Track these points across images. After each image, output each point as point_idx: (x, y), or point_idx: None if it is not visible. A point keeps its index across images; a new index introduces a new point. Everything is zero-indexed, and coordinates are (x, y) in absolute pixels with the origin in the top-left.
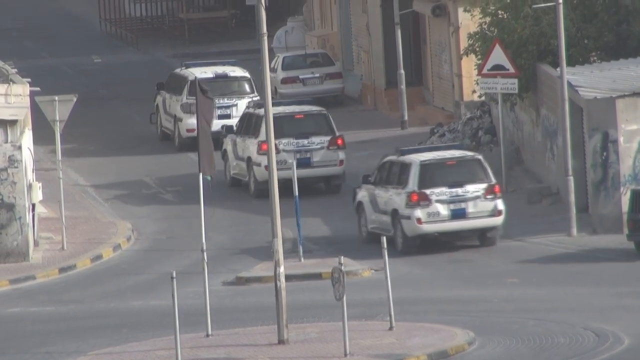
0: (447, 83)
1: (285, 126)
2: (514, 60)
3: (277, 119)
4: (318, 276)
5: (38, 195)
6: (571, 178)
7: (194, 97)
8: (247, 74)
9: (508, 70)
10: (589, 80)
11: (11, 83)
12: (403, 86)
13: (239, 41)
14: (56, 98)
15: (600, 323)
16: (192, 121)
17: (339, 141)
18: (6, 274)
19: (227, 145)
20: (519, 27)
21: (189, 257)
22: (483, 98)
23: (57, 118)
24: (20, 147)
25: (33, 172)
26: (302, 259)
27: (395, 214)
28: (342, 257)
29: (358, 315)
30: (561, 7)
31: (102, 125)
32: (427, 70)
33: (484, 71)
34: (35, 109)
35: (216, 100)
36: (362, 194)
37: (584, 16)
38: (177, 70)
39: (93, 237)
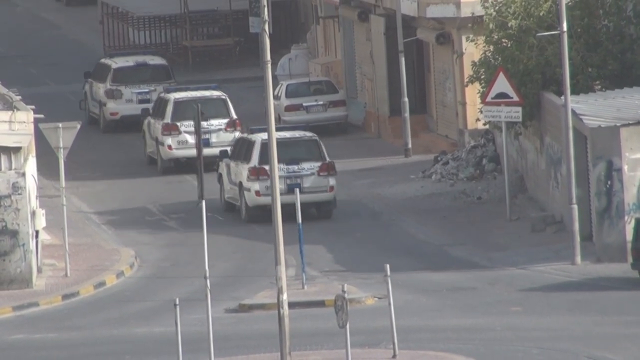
0: (451, 111)
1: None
2: (519, 88)
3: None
4: (321, 304)
5: (41, 222)
6: (575, 206)
7: (117, 84)
8: (165, 62)
9: (512, 98)
10: (593, 108)
11: (15, 110)
12: (407, 114)
13: (243, 68)
14: (60, 125)
15: (604, 352)
16: (114, 105)
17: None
18: (9, 301)
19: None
20: (525, 57)
21: (192, 284)
22: (487, 126)
23: (61, 145)
24: (24, 174)
25: (37, 199)
26: (305, 287)
27: (240, 186)
28: (346, 284)
29: (361, 343)
30: (565, 35)
31: (105, 152)
32: (430, 98)
33: (488, 99)
34: (39, 135)
35: (137, 86)
36: (222, 167)
37: (588, 45)
38: (103, 60)
39: (96, 264)
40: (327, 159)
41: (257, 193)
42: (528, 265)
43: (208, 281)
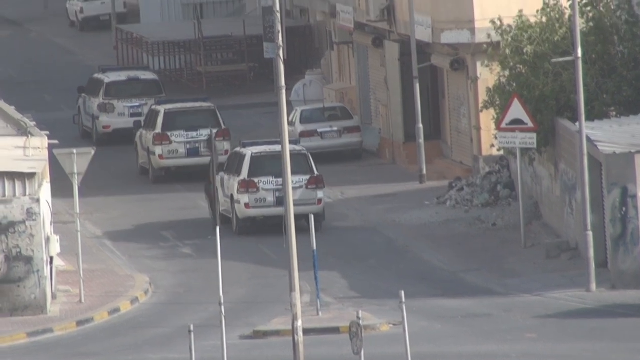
0: (465, 137)
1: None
2: (534, 115)
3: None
4: (336, 330)
5: (56, 248)
6: (590, 233)
7: (109, 98)
8: (156, 77)
9: (527, 124)
10: (608, 135)
11: (30, 136)
12: (421, 140)
13: (257, 94)
14: (74, 151)
15: None
16: (107, 119)
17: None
18: (24, 327)
19: (137, 138)
20: (540, 83)
21: (206, 310)
22: (502, 152)
23: (76, 171)
24: (38, 200)
25: (51, 224)
26: (320, 313)
27: (232, 198)
28: (360, 311)
29: None
30: (580, 62)
31: (121, 178)
32: (445, 124)
33: (503, 125)
34: (53, 161)
35: (129, 100)
36: (218, 180)
37: (603, 71)
38: (96, 75)
39: (111, 290)
40: (316, 173)
41: (247, 205)
42: (543, 292)
43: (222, 307)
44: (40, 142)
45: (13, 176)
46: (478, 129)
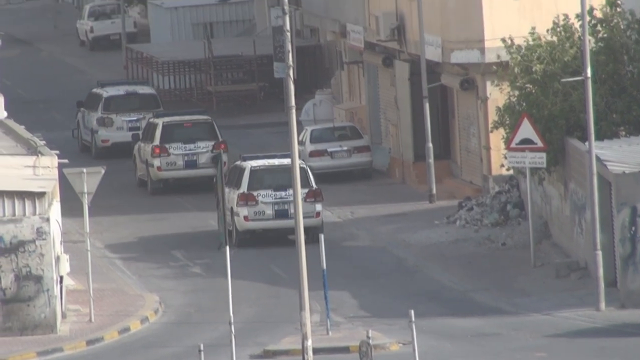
0: (475, 157)
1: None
2: (543, 134)
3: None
4: (346, 350)
5: (66, 267)
6: (599, 252)
7: (108, 113)
8: (153, 91)
9: (536, 144)
10: (618, 154)
11: (39, 155)
12: (431, 160)
13: (267, 114)
14: (84, 170)
15: None
16: (106, 133)
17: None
18: (34, 346)
19: (135, 150)
20: (549, 103)
21: (216, 329)
22: (511, 172)
23: (85, 190)
24: (48, 219)
25: (61, 244)
26: (330, 332)
27: (232, 211)
28: (370, 330)
29: None
30: (589, 81)
31: (130, 197)
32: (455, 144)
33: (512, 145)
34: (63, 180)
35: (127, 114)
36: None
37: (612, 91)
38: (95, 90)
39: (121, 310)
40: (314, 186)
41: (246, 218)
42: (552, 311)
43: (232, 327)
44: (50, 162)
45: (23, 195)
46: (488, 148)
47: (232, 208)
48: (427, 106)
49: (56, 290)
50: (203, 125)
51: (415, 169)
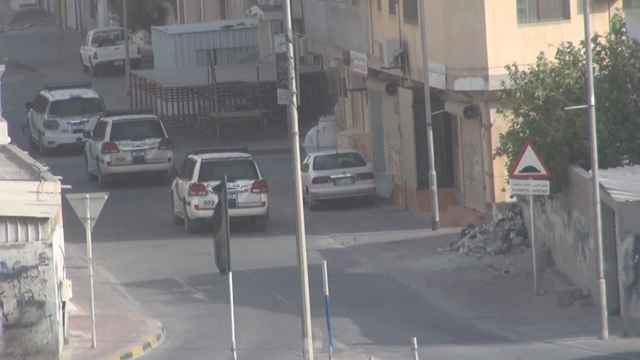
0: (478, 184)
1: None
2: (546, 162)
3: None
4: None
5: (68, 293)
6: (603, 281)
7: (54, 116)
8: (97, 95)
9: (539, 172)
10: (621, 182)
11: (42, 181)
12: (434, 187)
13: (271, 140)
14: (87, 196)
15: None
16: (52, 135)
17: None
18: None
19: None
20: (552, 130)
21: (219, 355)
22: (514, 199)
23: (88, 216)
24: (51, 245)
25: (63, 269)
26: (332, 359)
27: (184, 200)
28: (373, 357)
29: None
30: (593, 109)
31: (132, 223)
32: (458, 171)
33: (516, 172)
34: (66, 206)
35: (72, 117)
36: (173, 184)
37: (616, 118)
38: (42, 92)
39: (123, 336)
40: (261, 177)
41: (197, 207)
42: (555, 340)
43: (235, 353)
44: (53, 187)
45: (26, 221)
46: (491, 175)
47: (184, 198)
48: (430, 133)
49: (58, 315)
50: (150, 123)
51: (418, 196)
